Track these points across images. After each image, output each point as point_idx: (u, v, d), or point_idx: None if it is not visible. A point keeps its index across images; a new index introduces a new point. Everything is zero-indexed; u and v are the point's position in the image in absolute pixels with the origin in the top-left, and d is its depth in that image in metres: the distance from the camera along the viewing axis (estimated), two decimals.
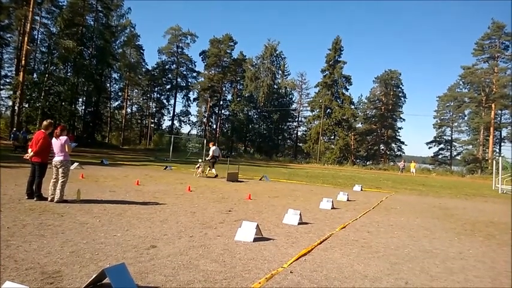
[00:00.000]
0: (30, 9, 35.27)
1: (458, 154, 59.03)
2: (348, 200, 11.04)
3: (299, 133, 64.51)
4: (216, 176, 15.79)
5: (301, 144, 60.93)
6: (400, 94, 62.61)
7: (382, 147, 63.13)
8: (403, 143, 63.06)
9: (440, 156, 61.02)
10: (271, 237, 5.65)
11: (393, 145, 63.35)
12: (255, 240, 5.30)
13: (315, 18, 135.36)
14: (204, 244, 5.00)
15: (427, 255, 5.32)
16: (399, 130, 63.00)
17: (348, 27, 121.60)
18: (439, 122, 61.81)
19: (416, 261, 4.95)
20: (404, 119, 62.93)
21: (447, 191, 18.65)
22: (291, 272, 4.07)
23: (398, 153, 62.78)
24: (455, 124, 60.68)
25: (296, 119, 64.35)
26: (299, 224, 6.79)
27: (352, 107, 56.74)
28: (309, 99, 62.45)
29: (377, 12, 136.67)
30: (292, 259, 4.54)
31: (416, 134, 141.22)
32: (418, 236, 6.64)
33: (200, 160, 16.87)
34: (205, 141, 40.72)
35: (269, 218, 7.27)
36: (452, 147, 60.38)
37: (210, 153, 16.23)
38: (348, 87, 56.42)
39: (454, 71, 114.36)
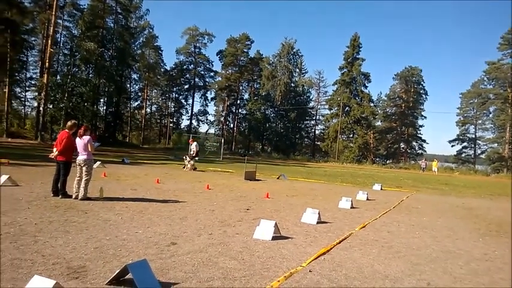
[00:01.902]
0: (53, 13, 36.26)
1: (482, 152, 57.18)
2: (367, 199, 10.90)
3: (317, 131, 64.00)
4: (195, 168, 17.17)
5: (319, 143, 60.48)
6: (421, 91, 61.14)
7: (403, 146, 61.85)
8: (424, 141, 61.60)
9: (463, 155, 59.24)
10: (290, 236, 5.65)
11: (414, 143, 61.97)
12: (274, 238, 5.31)
13: (332, 15, 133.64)
14: (223, 242, 5.04)
15: (450, 256, 5.19)
16: (420, 128, 61.51)
17: (367, 23, 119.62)
18: (462, 119, 59.97)
19: (439, 262, 4.84)
20: (425, 117, 61.31)
21: (471, 190, 18.14)
22: (310, 271, 4.06)
23: (420, 151, 61.33)
24: (480, 121, 58.69)
25: (314, 118, 63.86)
26: (318, 223, 6.76)
27: (372, 104, 55.81)
28: (326, 97, 61.98)
29: (396, 7, 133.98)
30: (311, 258, 4.53)
31: (438, 132, 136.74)
32: (441, 236, 6.50)
33: (187, 156, 18.01)
34: (222, 140, 41.05)
35: (287, 217, 7.26)
36: (476, 146, 58.49)
37: (194, 148, 17.43)
38: (366, 84, 55.52)
39: (478, 67, 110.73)
